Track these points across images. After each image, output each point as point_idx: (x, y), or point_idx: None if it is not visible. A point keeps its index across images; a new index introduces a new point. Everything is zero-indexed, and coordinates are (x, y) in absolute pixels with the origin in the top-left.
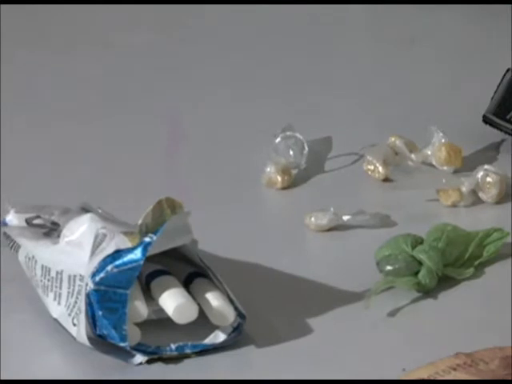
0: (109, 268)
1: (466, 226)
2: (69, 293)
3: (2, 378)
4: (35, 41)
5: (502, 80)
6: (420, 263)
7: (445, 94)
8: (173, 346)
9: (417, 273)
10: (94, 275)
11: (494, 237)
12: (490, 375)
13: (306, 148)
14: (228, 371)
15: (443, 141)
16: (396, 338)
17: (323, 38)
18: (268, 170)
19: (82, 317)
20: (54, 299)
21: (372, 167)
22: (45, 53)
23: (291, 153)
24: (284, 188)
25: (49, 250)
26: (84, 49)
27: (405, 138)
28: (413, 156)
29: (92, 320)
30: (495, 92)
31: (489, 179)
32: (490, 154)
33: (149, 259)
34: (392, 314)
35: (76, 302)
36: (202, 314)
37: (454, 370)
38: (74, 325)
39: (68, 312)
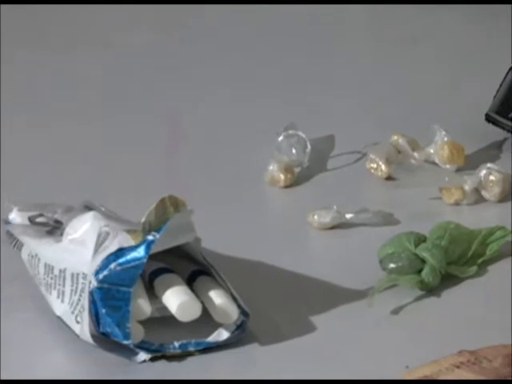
0: (112, 266)
1: (468, 224)
2: (72, 291)
3: (6, 375)
4: (35, 41)
5: (504, 78)
6: (423, 261)
7: (447, 93)
8: (176, 344)
9: (420, 271)
10: (97, 273)
11: (497, 235)
12: (493, 373)
13: (309, 146)
14: (231, 369)
15: (446, 139)
16: (399, 336)
17: (324, 37)
18: (271, 168)
19: (86, 315)
20: (58, 297)
21: (375, 165)
22: (45, 53)
23: (294, 151)
24: (287, 186)
25: (52, 248)
26: (84, 49)
27: (407, 136)
28: (415, 154)
29: (95, 318)
30: (498, 90)
31: (491, 177)
32: (492, 152)
33: (152, 257)
34: (395, 311)
35: (79, 300)
36: (205, 311)
37: (458, 367)
38: (78, 322)
39: (71, 310)
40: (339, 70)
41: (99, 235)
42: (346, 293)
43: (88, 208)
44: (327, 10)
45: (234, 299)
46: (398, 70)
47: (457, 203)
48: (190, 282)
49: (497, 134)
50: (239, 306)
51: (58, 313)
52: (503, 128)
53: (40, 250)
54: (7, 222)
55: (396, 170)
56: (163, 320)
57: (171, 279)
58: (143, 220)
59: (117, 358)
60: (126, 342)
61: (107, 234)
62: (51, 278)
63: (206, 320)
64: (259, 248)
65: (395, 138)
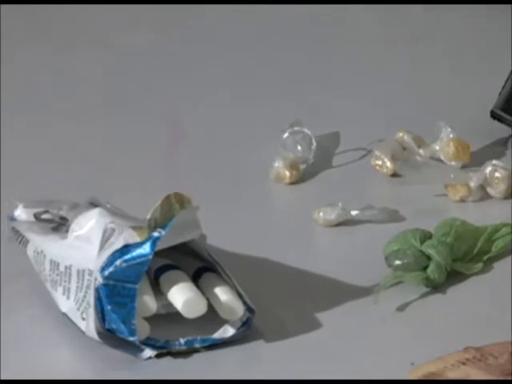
0: (118, 262)
1: (474, 221)
2: (78, 287)
3: (11, 372)
4: (35, 41)
5: (509, 75)
6: (429, 258)
7: (453, 90)
8: (182, 341)
9: (425, 268)
10: (102, 270)
11: (503, 232)
12: (499, 369)
13: (314, 143)
14: (237, 366)
15: (451, 136)
16: (405, 333)
17: (327, 36)
18: (276, 165)
19: (91, 311)
20: (63, 294)
21: (380, 162)
22: (45, 53)
23: (299, 148)
24: (292, 183)
25: (57, 244)
26: (84, 49)
27: (413, 133)
28: (421, 151)
29: (101, 314)
30: (503, 87)
31: (497, 174)
32: (498, 149)
33: (157, 254)
34: (401, 308)
35: (85, 297)
36: (210, 308)
37: (463, 364)
38: (83, 319)
39: (77, 306)
40: (344, 67)
41: (105, 232)
42: (351, 290)
43: (93, 205)
44: (327, 9)
45: (240, 296)
46: (403, 67)
47: (462, 200)
48: (196, 278)
49: (502, 130)
50: (245, 303)
51: (64, 309)
52: (508, 125)
53: (45, 246)
54: (13, 219)
55: (401, 166)
56: (169, 317)
57: (177, 276)
58: (149, 217)
59: (122, 354)
60: (131, 339)
61: (113, 230)
62: (57, 275)
63: (212, 317)
64: (265, 245)
65: (400, 134)
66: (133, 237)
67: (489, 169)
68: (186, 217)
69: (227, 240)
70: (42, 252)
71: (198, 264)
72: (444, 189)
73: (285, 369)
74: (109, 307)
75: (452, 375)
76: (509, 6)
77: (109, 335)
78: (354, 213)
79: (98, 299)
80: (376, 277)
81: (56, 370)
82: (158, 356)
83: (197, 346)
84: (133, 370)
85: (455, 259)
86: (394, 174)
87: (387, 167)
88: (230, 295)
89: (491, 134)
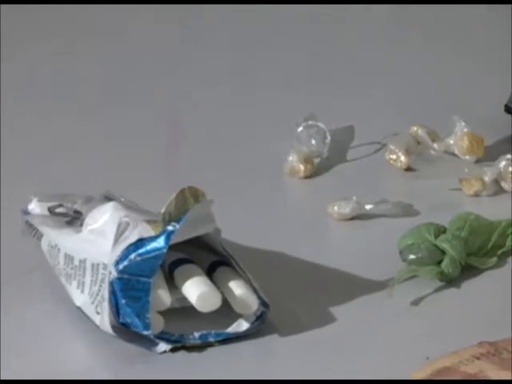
0: (132, 256)
1: (488, 215)
2: (92, 281)
3: (25, 366)
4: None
5: None
6: (443, 252)
7: (467, 84)
8: (196, 335)
9: (440, 262)
10: (117, 263)
11: None
12: None
13: (329, 137)
14: (251, 360)
15: (465, 130)
16: (419, 327)
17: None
18: (290, 158)
19: (106, 305)
20: (78, 287)
21: (394, 156)
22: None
23: (313, 142)
24: (306, 177)
25: (72, 238)
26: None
27: (427, 127)
28: (435, 145)
29: (115, 308)
30: None
31: (511, 169)
32: None
33: (172, 248)
34: (415, 302)
35: (99, 291)
36: (225, 302)
37: (478, 359)
38: (98, 313)
39: (91, 300)
40: (358, 63)
41: (119, 225)
42: (365, 284)
43: (108, 198)
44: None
45: (254, 290)
46: (417, 61)
47: (476, 194)
48: (210, 272)
49: None
50: (259, 297)
51: (78, 303)
52: None
53: (60, 240)
54: (27, 213)
55: (415, 160)
56: (183, 311)
57: (191, 270)
58: (163, 210)
59: (137, 348)
60: (146, 333)
61: (127, 224)
62: (71, 269)
63: (226, 311)
64: (279, 239)
65: (415, 128)
66: (147, 231)
67: (503, 163)
68: (201, 211)
69: (241, 234)
70: (56, 246)
71: (212, 258)
72: (458, 183)
73: (299, 363)
74: (123, 301)
75: (466, 370)
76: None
77: (123, 329)
78: (368, 207)
79: (113, 293)
80: (390, 271)
81: (70, 364)
82: (172, 350)
83: (211, 340)
84: (147, 364)
85: (469, 253)
86: (408, 168)
87: (401, 161)
88: (245, 289)
89: (505, 128)
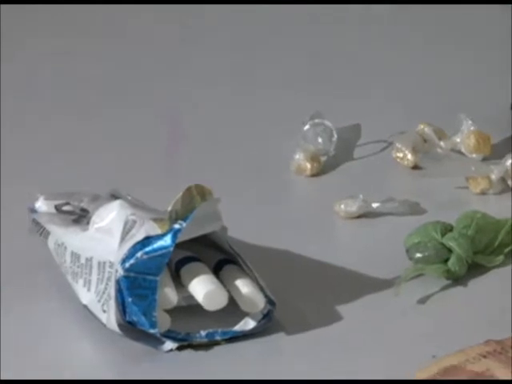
0: (139, 254)
1: (495, 213)
2: (98, 279)
3: (31, 365)
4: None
5: None
6: (450, 251)
7: (474, 82)
8: (203, 333)
9: (446, 260)
10: (123, 262)
11: None
12: None
13: (335, 135)
14: (258, 358)
15: (472, 128)
16: (426, 325)
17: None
18: (297, 157)
19: (112, 303)
20: (84, 286)
21: (401, 154)
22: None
23: (320, 140)
24: (313, 175)
25: (78, 236)
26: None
27: (434, 125)
28: (442, 143)
29: (122, 307)
30: None
31: None
32: None
33: (178, 246)
34: (422, 301)
35: (106, 289)
36: (231, 300)
37: (484, 357)
38: (104, 311)
39: (98, 298)
40: (368, 57)
41: (126, 224)
42: (372, 282)
43: (114, 196)
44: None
45: (261, 288)
46: (424, 59)
47: (483, 192)
48: (217, 270)
49: None
50: (266, 295)
51: (85, 301)
52: None
53: (66, 238)
54: (33, 211)
55: (422, 159)
56: (190, 309)
57: (198, 268)
58: (170, 209)
59: (143, 347)
60: (152, 331)
61: (134, 222)
62: (78, 267)
63: (233, 309)
64: (285, 237)
65: (421, 126)
66: (154, 229)
67: (510, 161)
68: (207, 209)
69: (248, 232)
70: (62, 244)
71: (219, 256)
72: (465, 181)
73: (305, 361)
74: (130, 299)
75: (473, 368)
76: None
77: (129, 327)
78: (374, 205)
79: (119, 291)
80: (397, 269)
81: (76, 362)
82: (178, 348)
83: (217, 338)
84: (153, 363)
85: (476, 252)
86: (415, 167)
87: (408, 159)
88: (251, 287)
89: None
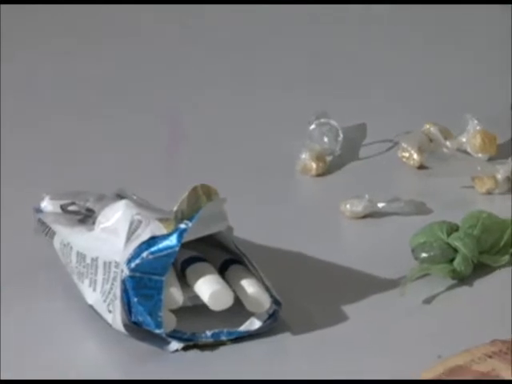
0: (144, 254)
1: (501, 213)
2: (104, 279)
3: (37, 364)
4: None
5: None
6: (455, 250)
7: (480, 82)
8: (208, 333)
9: (452, 260)
10: (129, 262)
11: None
12: None
13: (341, 135)
14: (263, 358)
15: (478, 128)
16: (431, 325)
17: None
18: (303, 156)
19: (118, 303)
20: (90, 286)
21: (407, 154)
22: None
23: (326, 140)
24: (319, 175)
25: (84, 236)
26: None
27: (440, 125)
28: (448, 143)
29: (127, 307)
30: None
31: None
32: None
33: (184, 246)
34: (427, 301)
35: (111, 289)
36: (237, 300)
37: (490, 357)
38: (110, 311)
39: (103, 298)
40: (374, 56)
41: (131, 223)
42: (377, 282)
43: (120, 196)
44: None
45: (266, 288)
46: (430, 59)
47: (489, 192)
48: (222, 270)
49: None
50: (271, 295)
51: (90, 301)
52: None
53: (72, 238)
54: (39, 211)
55: (428, 158)
56: (195, 309)
57: (203, 268)
58: (175, 208)
59: (149, 347)
60: (158, 331)
61: (139, 222)
62: (83, 267)
63: (238, 309)
64: (291, 237)
65: (427, 126)
66: (159, 229)
67: None
68: (213, 208)
69: (254, 232)
70: (68, 244)
71: (224, 256)
72: (471, 181)
73: (311, 361)
74: (135, 299)
75: (478, 368)
76: None
77: (135, 328)
78: (380, 205)
79: (125, 291)
80: (402, 269)
81: (82, 362)
82: (184, 348)
83: (223, 338)
84: (159, 363)
85: (482, 251)
86: (421, 166)
87: (414, 159)
88: (257, 287)
89: None
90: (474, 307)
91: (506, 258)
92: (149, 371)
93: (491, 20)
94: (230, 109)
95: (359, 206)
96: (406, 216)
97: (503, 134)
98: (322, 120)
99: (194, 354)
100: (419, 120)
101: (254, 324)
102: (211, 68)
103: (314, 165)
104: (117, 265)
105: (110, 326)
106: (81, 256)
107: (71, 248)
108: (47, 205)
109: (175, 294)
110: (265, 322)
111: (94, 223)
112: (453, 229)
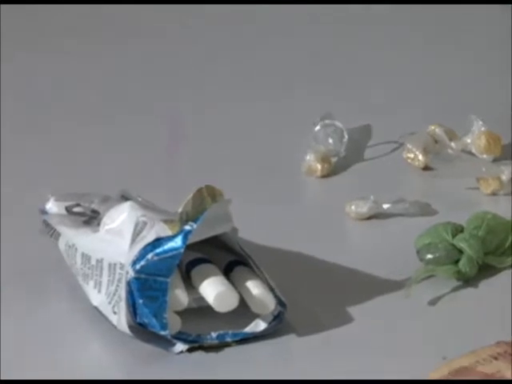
0: (149, 256)
1: (506, 214)
2: (109, 281)
3: (43, 366)
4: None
5: None
6: (460, 251)
7: (484, 83)
8: (213, 335)
9: (457, 261)
10: (134, 263)
11: None
12: None
13: (346, 136)
14: (268, 360)
15: (483, 129)
16: (437, 327)
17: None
18: (308, 158)
19: (123, 305)
20: (95, 287)
21: (412, 155)
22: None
23: (331, 141)
24: (324, 176)
25: (89, 238)
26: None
27: (444, 126)
28: (452, 144)
29: (132, 308)
30: None
31: None
32: None
33: (189, 247)
34: (432, 302)
35: (116, 290)
36: (242, 302)
37: (495, 358)
38: (115, 313)
39: (108, 300)
40: (378, 57)
41: (136, 225)
42: (383, 283)
43: (125, 198)
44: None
45: (272, 289)
46: (430, 59)
47: (494, 193)
48: (227, 272)
49: None
50: (276, 297)
51: (95, 303)
52: None
53: (77, 240)
54: (44, 212)
55: (433, 159)
56: (200, 310)
57: (208, 269)
58: (180, 210)
59: (154, 348)
60: (163, 333)
61: (144, 223)
62: (88, 268)
63: (243, 311)
64: (296, 238)
65: (432, 127)
66: (164, 230)
67: None
68: (218, 210)
69: (259, 233)
70: (73, 245)
71: (229, 257)
72: (476, 182)
73: (317, 362)
74: (140, 301)
75: (484, 370)
76: None
77: (140, 329)
78: (385, 206)
79: (130, 293)
80: (407, 270)
81: (87, 364)
82: (189, 350)
83: (228, 340)
84: (164, 365)
85: (487, 253)
86: (426, 167)
87: (419, 160)
88: (262, 289)
89: None
90: (479, 308)
91: (511, 259)
92: (154, 373)
93: (491, 20)
94: (231, 109)
95: (364, 207)
96: (411, 217)
97: (508, 135)
98: (327, 121)
99: (198, 355)
100: (424, 121)
101: (259, 325)
102: (211, 68)
103: (319, 166)
104: (122, 266)
105: (115, 327)
106: (86, 257)
107: (76, 249)
108: (52, 206)
109: (180, 296)
110: (270, 323)
111: (98, 225)
112: (458, 230)
